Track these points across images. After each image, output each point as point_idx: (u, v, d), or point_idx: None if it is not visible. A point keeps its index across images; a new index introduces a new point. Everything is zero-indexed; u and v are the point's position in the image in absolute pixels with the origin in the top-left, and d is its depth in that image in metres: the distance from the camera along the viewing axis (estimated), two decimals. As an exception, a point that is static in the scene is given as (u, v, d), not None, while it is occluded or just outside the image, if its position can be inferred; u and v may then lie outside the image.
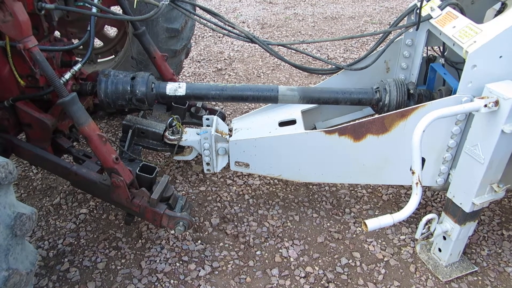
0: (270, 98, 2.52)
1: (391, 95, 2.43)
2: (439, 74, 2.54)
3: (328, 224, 2.76)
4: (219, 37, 5.95)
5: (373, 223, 1.80)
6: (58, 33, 3.30)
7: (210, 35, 6.02)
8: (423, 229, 2.18)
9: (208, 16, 2.78)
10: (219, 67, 5.06)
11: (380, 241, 2.64)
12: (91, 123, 2.07)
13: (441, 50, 2.71)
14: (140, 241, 2.61)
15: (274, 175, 2.62)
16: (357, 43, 5.79)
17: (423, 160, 2.32)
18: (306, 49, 5.60)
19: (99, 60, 3.95)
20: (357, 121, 2.29)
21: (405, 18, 2.57)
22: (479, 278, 2.41)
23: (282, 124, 2.69)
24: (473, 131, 2.03)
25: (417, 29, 2.46)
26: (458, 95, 2.03)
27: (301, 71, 4.82)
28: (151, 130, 2.65)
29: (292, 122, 2.69)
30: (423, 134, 1.79)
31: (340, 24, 6.63)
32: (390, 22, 6.58)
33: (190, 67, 5.04)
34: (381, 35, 2.67)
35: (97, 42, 4.06)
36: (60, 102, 2.00)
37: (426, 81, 2.70)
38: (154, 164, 2.36)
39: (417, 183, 1.83)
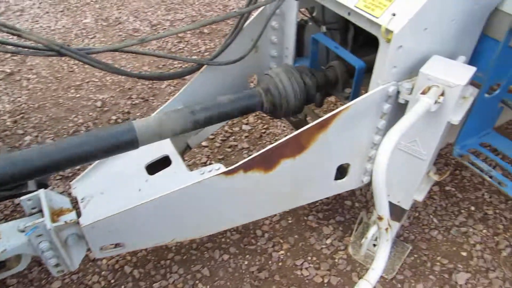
0: (127, 144, 1.63)
1: (287, 93, 1.82)
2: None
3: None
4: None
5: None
6: None
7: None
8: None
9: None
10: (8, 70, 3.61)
11: (309, 258, 2.21)
12: None
13: (309, 10, 2.21)
14: None
15: (166, 242, 1.84)
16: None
17: (348, 165, 1.87)
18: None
19: None
20: (264, 150, 1.62)
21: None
22: (415, 256, 2.23)
23: (151, 167, 1.86)
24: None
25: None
26: (384, 86, 1.55)
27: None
28: None
29: (165, 160, 1.87)
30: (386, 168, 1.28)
31: None
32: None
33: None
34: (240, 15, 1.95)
35: None
36: None
37: (304, 54, 2.20)
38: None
39: (386, 229, 1.35)
